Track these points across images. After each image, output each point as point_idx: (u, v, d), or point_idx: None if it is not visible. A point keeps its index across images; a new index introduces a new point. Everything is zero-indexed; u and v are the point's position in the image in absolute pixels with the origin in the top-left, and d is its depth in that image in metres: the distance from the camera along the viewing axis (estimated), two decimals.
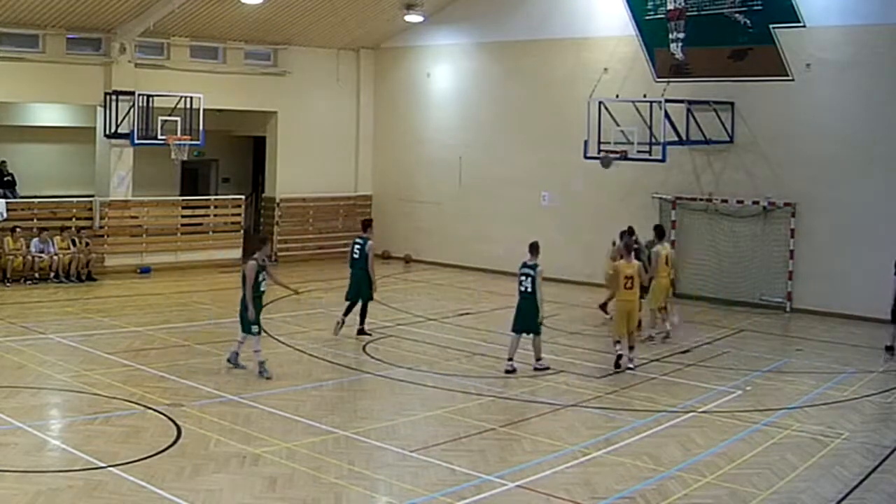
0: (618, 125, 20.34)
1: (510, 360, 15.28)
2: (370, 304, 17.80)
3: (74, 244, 22.74)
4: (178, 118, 23.37)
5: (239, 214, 26.78)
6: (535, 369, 15.27)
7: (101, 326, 17.73)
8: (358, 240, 17.74)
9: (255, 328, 14.43)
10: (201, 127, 23.52)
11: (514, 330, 15.42)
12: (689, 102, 21.09)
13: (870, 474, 10.86)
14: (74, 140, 26.26)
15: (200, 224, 26.32)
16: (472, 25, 26.60)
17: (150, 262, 24.19)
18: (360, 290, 17.54)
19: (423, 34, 27.47)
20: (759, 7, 21.30)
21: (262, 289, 14.58)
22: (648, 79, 22.90)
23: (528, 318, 15.22)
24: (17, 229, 22.05)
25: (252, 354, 14.62)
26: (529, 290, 15.30)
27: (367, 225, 18.18)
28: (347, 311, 17.56)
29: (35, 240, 22.29)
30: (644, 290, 16.59)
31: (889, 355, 17.03)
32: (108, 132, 23.62)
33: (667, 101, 20.24)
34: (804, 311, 20.75)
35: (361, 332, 17.58)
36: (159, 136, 23.17)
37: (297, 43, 27.10)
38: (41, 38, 22.90)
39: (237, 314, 14.67)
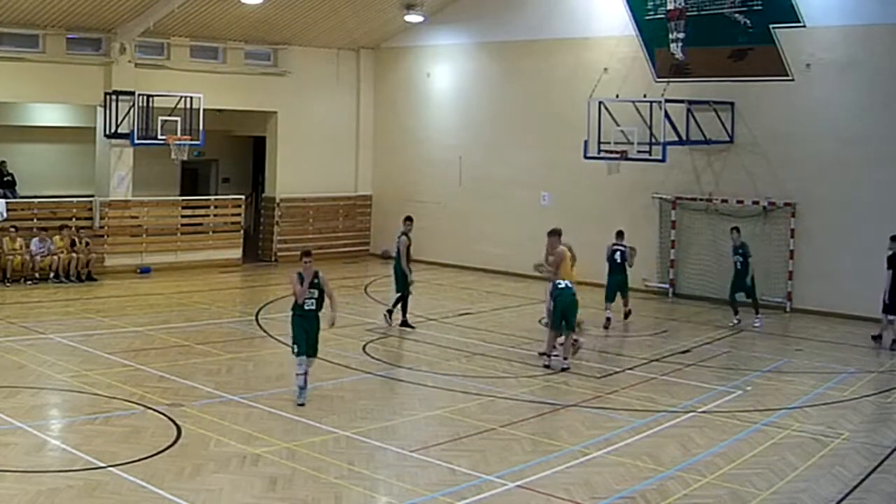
0: (618, 125, 20.33)
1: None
2: (410, 298, 18.60)
3: (74, 244, 22.72)
4: (178, 118, 23.36)
5: (239, 214, 26.77)
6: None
7: (101, 326, 17.73)
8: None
9: (294, 348, 13.21)
10: (201, 127, 23.51)
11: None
12: (689, 102, 21.08)
13: (870, 474, 10.86)
14: (74, 140, 26.26)
15: (200, 224, 26.31)
16: (472, 25, 26.59)
17: (150, 262, 24.18)
18: (398, 283, 18.48)
19: (423, 34, 27.47)
20: (759, 7, 21.29)
21: (306, 307, 13.17)
22: (648, 79, 22.90)
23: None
24: (15, 229, 22.04)
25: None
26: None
27: (406, 220, 18.83)
28: (395, 303, 18.51)
29: (35, 239, 22.30)
30: None
31: (876, 344, 17.52)
32: (108, 132, 23.61)
33: (667, 101, 20.24)
34: (804, 311, 20.74)
35: (405, 323, 18.32)
36: (159, 136, 23.16)
37: (297, 43, 27.10)
38: (41, 38, 22.89)
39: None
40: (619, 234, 19.60)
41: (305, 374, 13.13)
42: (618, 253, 19.23)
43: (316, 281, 13.23)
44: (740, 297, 19.40)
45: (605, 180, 21.95)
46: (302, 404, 13.00)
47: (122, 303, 20.68)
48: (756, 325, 19.12)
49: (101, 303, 20.34)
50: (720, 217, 21.95)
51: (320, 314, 13.38)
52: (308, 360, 13.21)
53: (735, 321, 19.28)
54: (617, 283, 19.23)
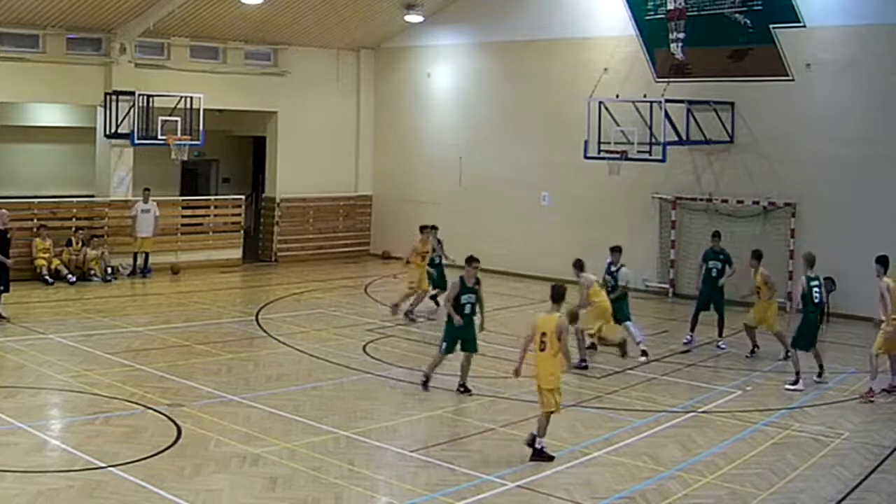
0: (618, 125, 20.33)
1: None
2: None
3: (83, 244, 22.88)
4: (178, 118, 23.35)
5: (239, 214, 26.77)
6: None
7: (101, 326, 17.73)
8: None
9: (441, 346, 13.92)
10: (201, 127, 23.50)
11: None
12: (689, 102, 21.09)
13: (870, 474, 10.87)
14: (74, 140, 26.26)
15: (200, 224, 26.31)
16: (472, 25, 26.59)
17: (151, 262, 24.14)
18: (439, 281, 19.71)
19: (423, 34, 27.47)
20: (759, 7, 21.30)
21: (465, 311, 13.79)
22: (648, 79, 22.90)
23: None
24: (44, 227, 22.39)
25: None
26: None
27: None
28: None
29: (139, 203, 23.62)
30: None
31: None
32: (108, 132, 23.61)
33: (667, 101, 20.24)
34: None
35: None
36: (159, 136, 23.15)
37: (297, 43, 27.10)
38: (41, 38, 22.89)
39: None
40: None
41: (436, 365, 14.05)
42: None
43: (476, 287, 13.91)
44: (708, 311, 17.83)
45: (605, 180, 21.94)
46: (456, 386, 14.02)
47: (122, 303, 20.70)
48: (722, 346, 17.46)
49: (101, 303, 20.34)
50: (720, 217, 21.95)
51: (474, 318, 14.06)
52: (467, 355, 13.92)
53: (688, 338, 17.78)
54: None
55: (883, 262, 14.62)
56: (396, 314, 19.12)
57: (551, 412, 11.14)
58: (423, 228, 20.04)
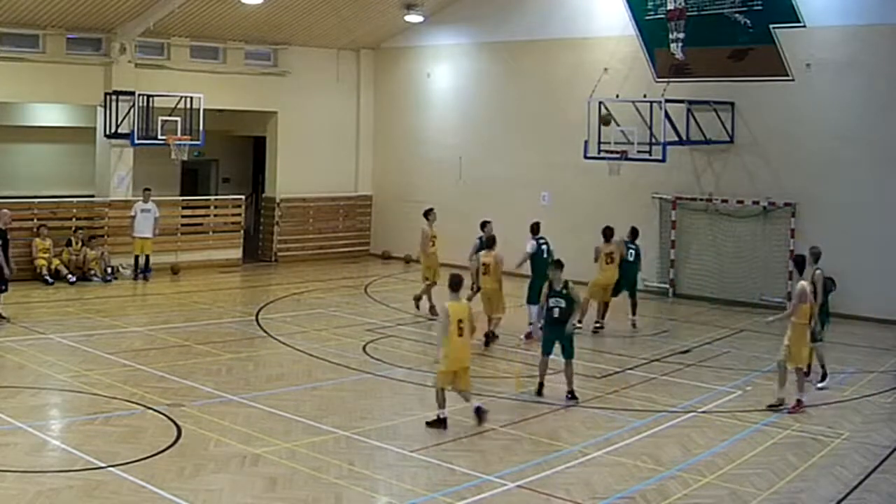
0: (618, 125, 20.33)
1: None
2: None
3: (83, 244, 22.90)
4: (178, 118, 23.32)
5: (239, 214, 26.76)
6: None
7: (101, 326, 17.73)
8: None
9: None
10: (201, 127, 23.49)
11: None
12: (689, 102, 21.09)
13: (870, 474, 10.87)
14: (74, 140, 26.25)
15: (200, 224, 26.30)
16: (472, 25, 26.59)
17: (151, 262, 24.13)
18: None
19: (423, 34, 27.47)
20: (759, 7, 21.30)
21: (555, 315, 13.71)
22: (648, 79, 22.90)
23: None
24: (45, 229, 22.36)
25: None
26: None
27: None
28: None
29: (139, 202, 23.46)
30: None
31: None
32: (108, 132, 23.60)
33: (667, 101, 20.24)
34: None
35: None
36: (159, 136, 23.12)
37: (297, 43, 27.10)
38: (41, 38, 22.89)
39: None
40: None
41: None
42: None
43: (565, 291, 13.87)
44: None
45: (605, 180, 21.93)
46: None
47: (122, 303, 20.70)
48: (636, 325, 18.84)
49: (101, 303, 20.34)
50: (720, 217, 21.95)
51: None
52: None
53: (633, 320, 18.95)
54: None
55: (800, 263, 14.25)
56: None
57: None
58: (427, 213, 20.22)
